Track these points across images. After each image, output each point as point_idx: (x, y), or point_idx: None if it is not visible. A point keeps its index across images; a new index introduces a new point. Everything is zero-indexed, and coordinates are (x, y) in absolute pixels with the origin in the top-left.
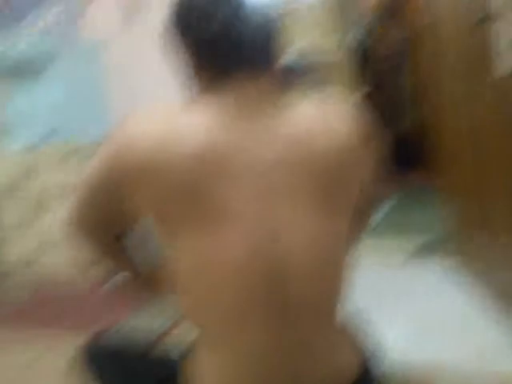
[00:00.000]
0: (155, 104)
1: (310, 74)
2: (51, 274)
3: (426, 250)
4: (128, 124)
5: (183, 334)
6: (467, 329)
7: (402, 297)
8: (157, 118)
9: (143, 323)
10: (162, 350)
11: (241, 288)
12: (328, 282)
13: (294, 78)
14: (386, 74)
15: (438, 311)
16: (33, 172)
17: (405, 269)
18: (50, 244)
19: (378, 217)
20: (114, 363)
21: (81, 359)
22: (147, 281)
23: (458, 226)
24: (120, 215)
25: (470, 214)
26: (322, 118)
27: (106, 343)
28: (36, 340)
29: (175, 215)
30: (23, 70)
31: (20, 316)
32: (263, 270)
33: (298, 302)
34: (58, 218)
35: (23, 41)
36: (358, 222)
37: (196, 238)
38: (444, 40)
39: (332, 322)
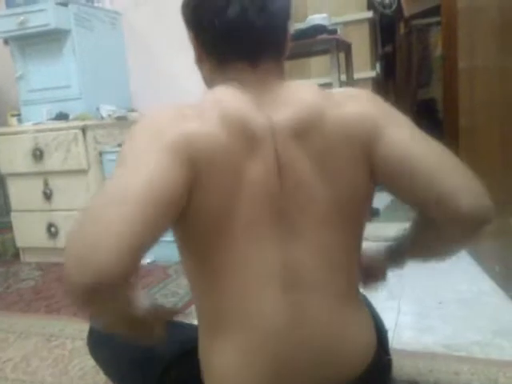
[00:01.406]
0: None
1: (332, 36)
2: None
3: None
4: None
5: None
6: (475, 309)
7: (414, 275)
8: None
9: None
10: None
11: (253, 264)
12: (339, 256)
13: (316, 40)
14: (411, 35)
15: (446, 292)
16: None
17: None
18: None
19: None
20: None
21: (91, 334)
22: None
23: None
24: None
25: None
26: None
27: None
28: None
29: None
30: (43, 42)
31: (34, 294)
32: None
33: (310, 273)
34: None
35: (42, 13)
36: None
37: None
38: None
39: (351, 299)
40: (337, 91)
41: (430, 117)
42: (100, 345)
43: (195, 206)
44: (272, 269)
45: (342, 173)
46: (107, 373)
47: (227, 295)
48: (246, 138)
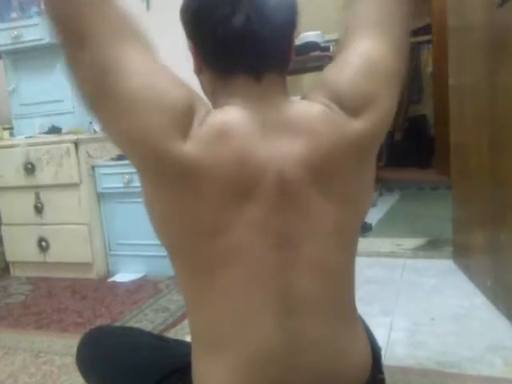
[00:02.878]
0: None
1: (325, 53)
2: (56, 267)
3: (431, 247)
4: None
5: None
6: (468, 326)
7: (407, 291)
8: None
9: (145, 317)
10: (166, 344)
11: (251, 286)
12: (340, 278)
13: (309, 57)
14: None
15: (439, 308)
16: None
17: (408, 265)
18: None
19: (386, 209)
20: (115, 354)
21: (80, 352)
22: None
23: (466, 224)
24: None
25: (481, 212)
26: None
27: (108, 334)
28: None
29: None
30: (36, 56)
31: (23, 309)
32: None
33: (310, 298)
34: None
35: (37, 27)
36: None
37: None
38: (468, 16)
39: (346, 314)
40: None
41: (422, 133)
42: (89, 361)
43: (189, 214)
44: (270, 292)
45: (347, 191)
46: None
47: (222, 316)
48: (248, 172)
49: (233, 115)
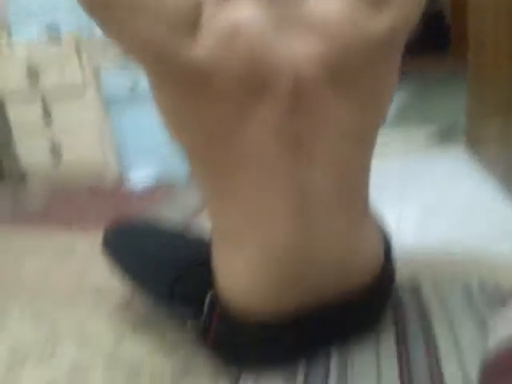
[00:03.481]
0: None
1: None
2: (71, 173)
3: (443, 136)
4: None
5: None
6: (478, 211)
7: (415, 181)
8: None
9: (167, 215)
10: (189, 235)
11: (266, 185)
12: (354, 178)
13: None
14: None
15: (452, 194)
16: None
17: (419, 155)
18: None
19: (397, 103)
20: (139, 244)
21: (105, 242)
22: None
23: (475, 113)
24: None
25: (495, 102)
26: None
27: (132, 226)
28: (59, 239)
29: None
30: None
31: (43, 216)
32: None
33: (323, 196)
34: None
35: None
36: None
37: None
38: None
39: (359, 211)
40: None
41: (438, 20)
42: (117, 241)
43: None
44: (284, 191)
45: (367, 92)
46: (123, 269)
47: (240, 214)
48: (262, 72)
49: (245, 11)
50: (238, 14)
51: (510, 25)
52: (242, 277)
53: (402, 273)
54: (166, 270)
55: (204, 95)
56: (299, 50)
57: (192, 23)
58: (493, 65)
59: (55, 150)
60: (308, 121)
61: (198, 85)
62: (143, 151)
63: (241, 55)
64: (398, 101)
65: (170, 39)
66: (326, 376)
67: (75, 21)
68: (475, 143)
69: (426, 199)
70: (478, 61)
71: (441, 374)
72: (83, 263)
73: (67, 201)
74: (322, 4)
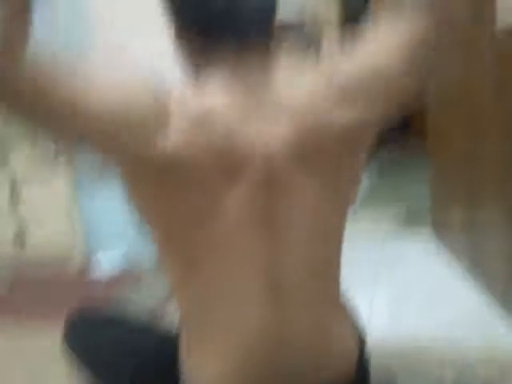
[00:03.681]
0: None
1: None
2: (35, 257)
3: (409, 219)
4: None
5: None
6: (447, 298)
7: (384, 266)
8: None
9: (134, 302)
10: (154, 326)
11: (240, 274)
12: (326, 266)
13: (289, 34)
14: None
15: (421, 280)
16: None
17: (388, 238)
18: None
19: (363, 184)
20: (102, 336)
21: (66, 333)
22: None
23: (439, 199)
24: None
25: (457, 186)
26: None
27: (94, 317)
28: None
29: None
30: None
31: (3, 302)
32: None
33: (297, 286)
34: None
35: None
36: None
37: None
38: None
39: (332, 298)
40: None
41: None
42: (78, 334)
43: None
44: (258, 280)
45: (334, 178)
46: (82, 366)
47: (211, 304)
48: (233, 155)
49: (215, 97)
50: (210, 100)
51: (466, 119)
52: (211, 368)
53: (376, 364)
54: (127, 368)
55: (177, 184)
56: (269, 133)
57: (161, 122)
58: (451, 156)
59: (21, 233)
60: (280, 204)
61: (171, 174)
62: (111, 235)
63: (214, 140)
64: (363, 182)
65: (141, 138)
66: None
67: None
68: (441, 228)
69: (396, 287)
70: (436, 152)
71: None
72: (40, 360)
73: (31, 286)
74: (290, 90)
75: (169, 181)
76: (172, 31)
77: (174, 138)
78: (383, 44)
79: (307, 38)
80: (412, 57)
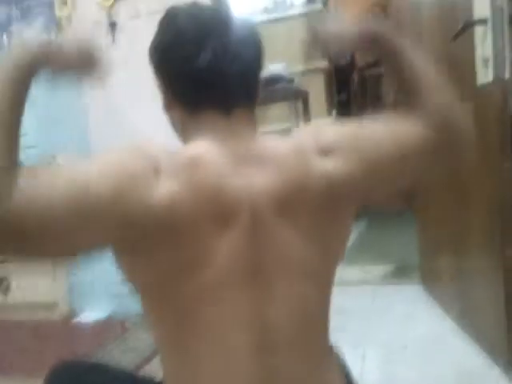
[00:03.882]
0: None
1: (290, 85)
2: (19, 310)
3: (399, 274)
4: None
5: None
6: (437, 350)
7: (374, 320)
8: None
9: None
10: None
11: (229, 326)
12: (314, 316)
13: (275, 89)
14: (365, 83)
15: (410, 335)
16: None
17: (377, 293)
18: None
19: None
20: None
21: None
22: None
23: (427, 252)
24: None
25: (444, 238)
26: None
27: (77, 371)
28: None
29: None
30: None
31: None
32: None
33: (285, 336)
34: None
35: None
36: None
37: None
38: (426, 46)
39: (321, 351)
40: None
41: None
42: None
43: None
44: (247, 331)
45: (320, 231)
46: None
47: (199, 357)
48: (221, 206)
49: (202, 149)
50: (197, 151)
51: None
52: None
53: None
54: None
55: (165, 237)
56: (254, 186)
57: (153, 171)
58: (437, 208)
59: (4, 286)
60: (267, 255)
61: (158, 228)
62: (95, 289)
63: (202, 192)
64: (351, 236)
65: (134, 199)
66: None
67: (39, 152)
68: (430, 281)
69: (386, 341)
70: (423, 206)
71: None
72: None
73: (12, 339)
74: (273, 143)
75: (156, 235)
76: (163, 102)
77: (163, 190)
78: (383, 126)
79: (295, 90)
80: (405, 154)
